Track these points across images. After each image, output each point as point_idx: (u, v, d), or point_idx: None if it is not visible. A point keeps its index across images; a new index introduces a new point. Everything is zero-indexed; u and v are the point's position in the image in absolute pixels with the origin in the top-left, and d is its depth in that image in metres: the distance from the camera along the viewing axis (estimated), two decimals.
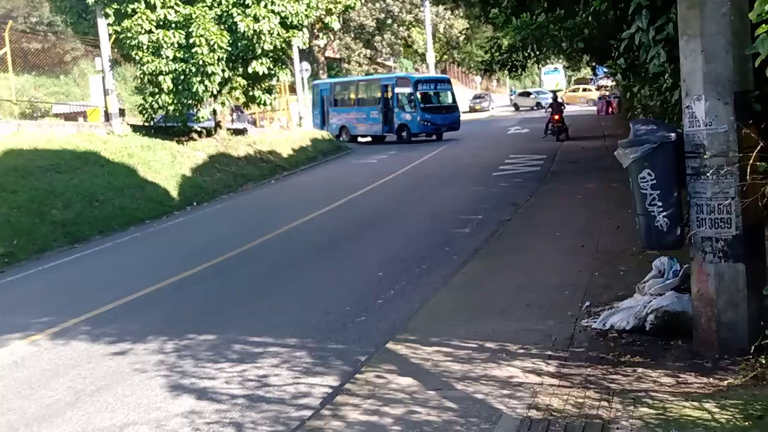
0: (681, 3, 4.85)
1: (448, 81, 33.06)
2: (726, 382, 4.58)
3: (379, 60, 51.99)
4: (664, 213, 5.09)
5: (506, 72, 17.88)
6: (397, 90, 30.08)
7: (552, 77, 56.34)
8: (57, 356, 6.81)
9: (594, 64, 26.18)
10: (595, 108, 39.54)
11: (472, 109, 50.84)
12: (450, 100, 31.11)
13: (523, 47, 15.35)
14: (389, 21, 48.87)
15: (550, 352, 5.50)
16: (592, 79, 53.40)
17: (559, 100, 27.24)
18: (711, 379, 4.69)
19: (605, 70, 24.11)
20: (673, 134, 5.11)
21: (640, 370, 4.98)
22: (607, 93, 39.10)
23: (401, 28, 50.34)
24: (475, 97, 55.50)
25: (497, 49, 16.94)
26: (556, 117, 24.05)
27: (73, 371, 6.31)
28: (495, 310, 6.75)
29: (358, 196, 15.73)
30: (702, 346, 5.11)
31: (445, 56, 59.92)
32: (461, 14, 37.50)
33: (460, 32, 46.50)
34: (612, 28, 8.23)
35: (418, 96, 29.28)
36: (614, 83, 34.74)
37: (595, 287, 7.17)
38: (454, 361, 5.46)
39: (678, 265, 6.08)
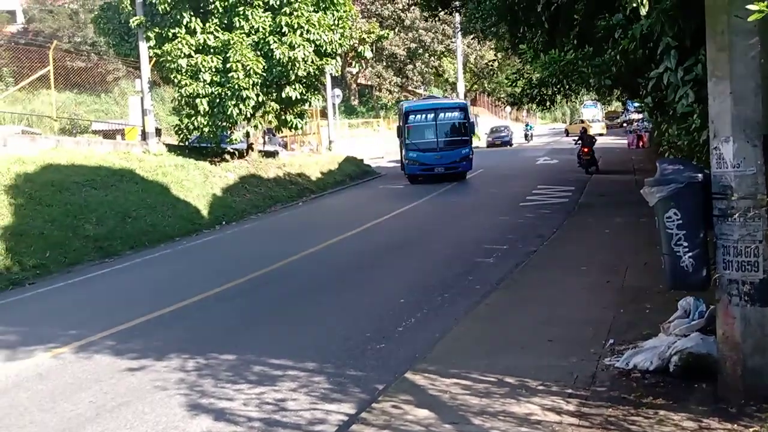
0: (710, 45, 4.85)
1: (461, 108, 25.18)
2: (751, 430, 4.48)
3: (410, 88, 52.37)
4: (690, 253, 5.03)
5: (534, 105, 17.95)
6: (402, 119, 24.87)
7: (590, 110, 59.27)
8: (80, 370, 6.92)
9: (625, 98, 26.10)
10: (625, 141, 39.32)
11: (492, 145, 45.59)
12: (458, 133, 24.01)
13: (551, 82, 15.43)
14: (420, 51, 49.30)
15: (570, 390, 5.43)
16: (623, 113, 53.66)
17: (590, 132, 27.54)
18: (735, 425, 4.59)
19: (635, 104, 24.04)
20: (700, 175, 5.07)
21: (662, 412, 4.89)
22: (638, 127, 38.82)
23: (432, 58, 50.73)
24: (493, 131, 48.45)
25: (526, 83, 17.06)
26: (585, 150, 24.21)
27: (95, 386, 6.41)
28: (516, 343, 6.69)
29: (383, 222, 15.79)
30: (727, 390, 5.00)
31: (476, 86, 60.16)
32: (491, 46, 37.25)
33: (488, 63, 46.50)
34: (640, 67, 8.23)
35: (407, 129, 23.63)
36: (643, 118, 34.70)
37: (619, 325, 7.07)
38: (472, 394, 5.42)
39: (704, 306, 5.98)
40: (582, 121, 53.40)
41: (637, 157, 30.02)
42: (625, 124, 53.75)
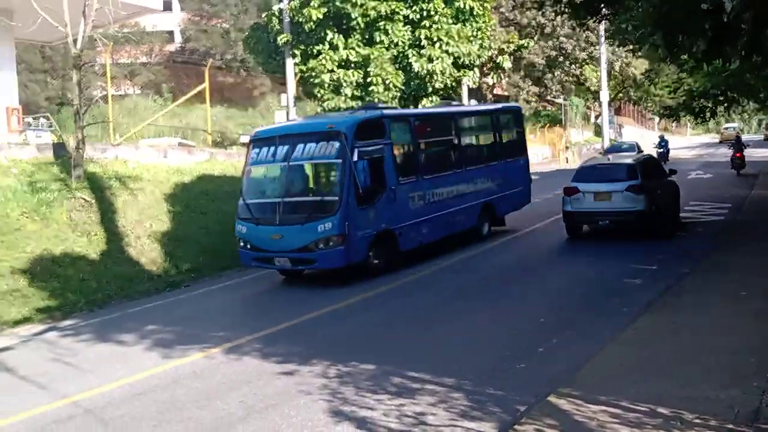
0: None
1: (340, 135, 11.35)
2: None
3: (548, 98, 51.12)
4: None
5: (692, 118, 16.82)
6: None
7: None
8: (231, 370, 7.33)
9: None
10: None
11: None
12: (324, 187, 12.19)
13: (713, 93, 14.38)
14: (561, 59, 48.02)
15: (731, 426, 5.02)
16: None
17: (741, 138, 30.09)
18: None
19: None
20: None
21: None
22: None
23: (573, 66, 49.22)
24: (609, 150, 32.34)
25: (686, 94, 15.99)
26: (738, 154, 26.90)
27: (245, 387, 6.76)
28: (669, 371, 6.28)
29: (521, 236, 15.46)
30: None
31: (620, 94, 57.66)
32: (642, 54, 35.11)
33: (642, 74, 44.18)
34: None
35: (246, 176, 12.41)
36: None
37: None
38: (621, 423, 5.15)
39: None
40: (734, 129, 53.40)
41: None
42: None
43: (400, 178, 12.41)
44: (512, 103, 24.10)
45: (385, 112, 12.93)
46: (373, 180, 11.72)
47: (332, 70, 19.96)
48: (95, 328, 9.82)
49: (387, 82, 19.47)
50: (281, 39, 20.75)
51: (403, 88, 19.84)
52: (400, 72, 19.80)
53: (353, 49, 20.05)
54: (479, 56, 21.19)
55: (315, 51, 20.21)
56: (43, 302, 11.08)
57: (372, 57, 19.70)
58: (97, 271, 12.50)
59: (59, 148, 15.36)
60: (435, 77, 19.78)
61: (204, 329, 9.11)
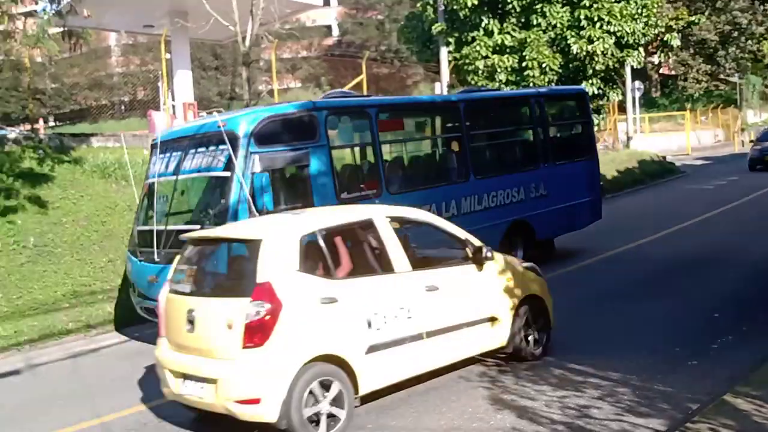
0: None
1: (228, 138, 7.92)
2: None
3: (721, 76, 47.18)
4: None
5: None
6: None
7: None
8: None
9: None
10: None
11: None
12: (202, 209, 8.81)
13: None
14: (735, 34, 44.08)
15: None
16: None
17: None
18: None
19: None
20: None
21: None
22: None
23: (749, 42, 44.98)
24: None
25: None
26: None
27: None
28: None
29: (690, 226, 14.50)
30: None
31: None
32: None
33: None
34: None
35: (142, 197, 9.51)
36: None
37: None
38: None
39: None
40: None
41: None
42: None
43: (344, 196, 8.90)
44: (568, 86, 18.16)
45: (320, 102, 9.33)
46: (290, 201, 8.41)
47: (486, 56, 19.77)
48: None
49: (543, 65, 18.96)
50: (436, 28, 20.84)
51: (560, 71, 19.23)
52: (558, 55, 19.20)
53: (508, 33, 19.71)
54: (644, 35, 20.01)
55: (469, 38, 20.10)
56: None
57: (528, 41, 19.26)
58: None
59: None
60: (596, 58, 18.99)
61: None
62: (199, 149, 8.53)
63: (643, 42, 20.18)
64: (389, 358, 5.68)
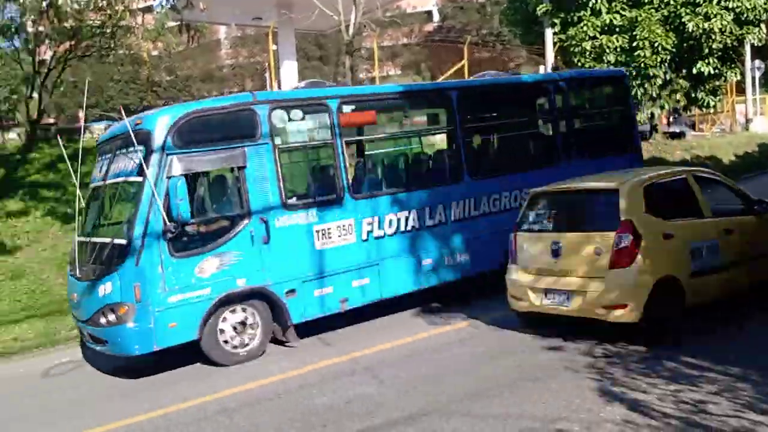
0: None
1: (142, 139, 7.44)
2: None
3: None
4: None
5: None
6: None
7: None
8: (494, 341, 7.57)
9: None
10: None
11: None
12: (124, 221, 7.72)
13: None
14: None
15: None
16: None
17: None
18: None
19: None
20: None
21: None
22: None
23: None
24: None
25: None
26: None
27: (510, 357, 6.90)
28: None
29: None
30: None
31: None
32: None
33: None
34: None
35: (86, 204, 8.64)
36: None
37: None
38: None
39: None
40: None
41: None
42: None
43: (290, 202, 8.09)
44: (603, 68, 16.29)
45: (262, 95, 8.19)
46: (218, 208, 7.86)
47: (594, 37, 19.05)
48: None
49: (655, 45, 18.04)
50: (540, 9, 20.29)
51: (673, 50, 18.24)
52: (671, 33, 18.22)
53: (617, 12, 18.89)
54: (767, 10, 18.64)
55: (575, 18, 19.43)
56: None
57: (639, 19, 18.38)
58: None
59: None
60: (713, 36, 17.88)
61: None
62: (122, 151, 7.77)
63: (764, 18, 18.83)
64: (705, 281, 7.11)
